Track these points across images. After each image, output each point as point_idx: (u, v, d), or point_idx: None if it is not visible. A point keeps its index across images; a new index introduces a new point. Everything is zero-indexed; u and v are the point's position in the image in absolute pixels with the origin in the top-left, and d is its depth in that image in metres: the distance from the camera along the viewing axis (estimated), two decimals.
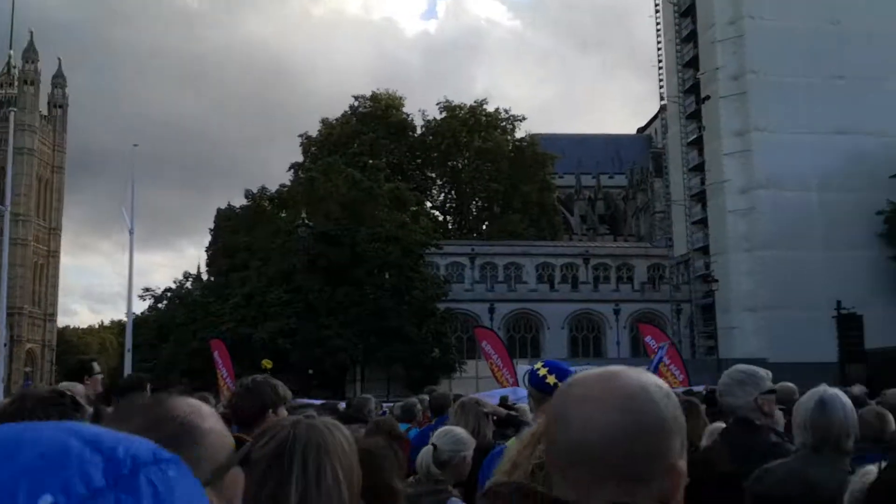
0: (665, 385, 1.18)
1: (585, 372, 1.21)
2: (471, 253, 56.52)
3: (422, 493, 3.55)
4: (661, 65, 56.41)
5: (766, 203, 45.12)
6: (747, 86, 46.23)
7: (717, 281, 41.41)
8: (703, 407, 5.66)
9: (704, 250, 49.94)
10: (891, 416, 4.37)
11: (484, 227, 66.12)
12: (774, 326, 42.31)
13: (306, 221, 31.86)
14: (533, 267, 57.04)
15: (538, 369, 4.04)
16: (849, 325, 29.64)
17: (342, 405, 11.43)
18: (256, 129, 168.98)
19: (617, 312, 52.91)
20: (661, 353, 5.31)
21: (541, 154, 63.74)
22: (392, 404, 11.60)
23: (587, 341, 53.85)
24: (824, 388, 3.10)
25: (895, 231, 42.05)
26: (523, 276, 56.33)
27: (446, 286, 46.28)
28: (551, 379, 3.85)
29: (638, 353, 43.20)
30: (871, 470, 2.16)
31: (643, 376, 1.16)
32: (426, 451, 3.86)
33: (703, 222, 50.37)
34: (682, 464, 1.11)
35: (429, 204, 61.92)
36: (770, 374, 3.76)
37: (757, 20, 46.45)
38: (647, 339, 20.76)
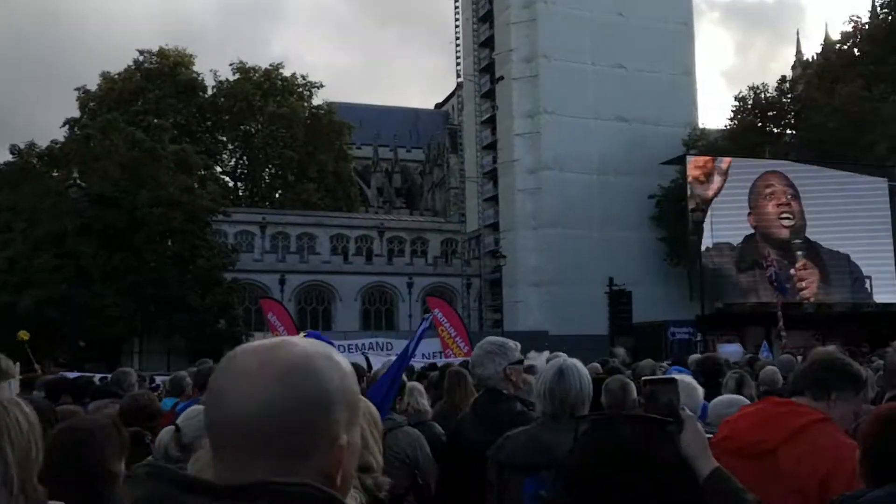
0: (336, 355, 1.12)
1: (248, 344, 1.13)
2: (262, 222, 54.83)
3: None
4: (458, 42, 57.20)
5: (552, 183, 47.14)
6: (538, 69, 47.89)
7: (504, 257, 42.79)
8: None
9: (495, 227, 51.48)
10: (633, 386, 4.47)
11: (277, 195, 64.36)
12: (556, 301, 44.44)
13: (78, 182, 29.20)
14: (327, 238, 56.31)
15: None
16: (619, 301, 31.65)
17: (98, 378, 10.45)
18: (25, 79, 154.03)
19: (410, 286, 53.42)
20: (424, 325, 5.21)
21: (338, 123, 62.86)
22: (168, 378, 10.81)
23: (380, 314, 54.00)
24: (563, 359, 3.17)
25: (664, 214, 45.31)
26: (316, 248, 55.50)
27: (234, 255, 44.50)
28: None
29: (430, 326, 43.83)
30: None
31: (311, 346, 1.10)
32: (167, 431, 3.63)
33: (494, 200, 51.86)
34: (350, 437, 1.08)
35: (218, 169, 59.23)
36: (518, 345, 3.87)
37: (549, 5, 48.12)
38: (435, 311, 20.97)
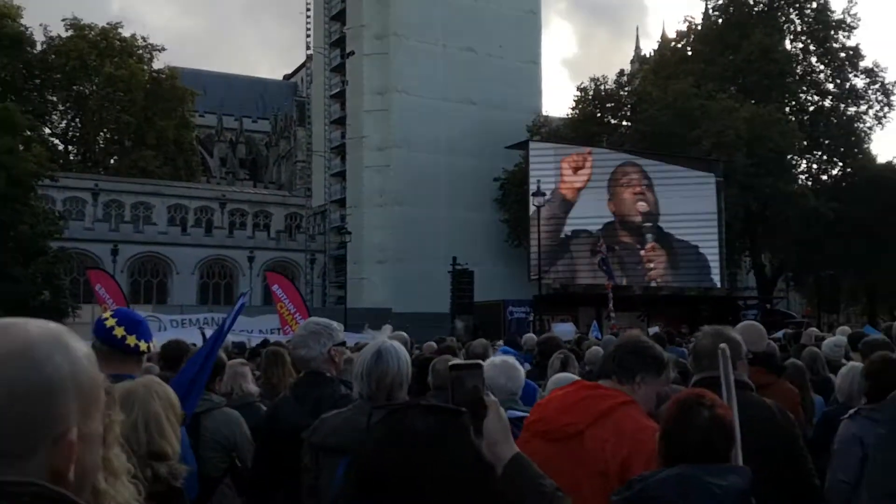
0: (69, 338, 1.02)
1: None
2: (94, 189, 51.77)
3: None
4: (309, 14, 56.01)
5: (400, 161, 47.24)
6: (390, 47, 47.71)
7: (350, 233, 42.63)
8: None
9: (341, 203, 51.04)
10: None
11: (112, 161, 60.86)
12: (400, 279, 44.70)
13: None
14: (164, 208, 53.98)
15: (106, 318, 3.47)
16: (461, 280, 32.14)
17: None
18: None
19: (251, 260, 52.10)
20: (242, 301, 5.02)
21: (181, 89, 60.09)
22: None
23: (218, 288, 52.37)
24: (383, 340, 3.11)
25: (507, 197, 46.47)
26: (153, 218, 53.08)
27: (62, 223, 41.76)
28: (119, 331, 3.38)
29: (270, 301, 43.01)
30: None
31: (36, 330, 0.99)
32: None
33: (341, 175, 51.37)
34: (87, 428, 0.99)
35: (47, 130, 55.20)
36: (342, 326, 3.78)
37: None
38: (275, 287, 20.54)
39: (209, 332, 13.61)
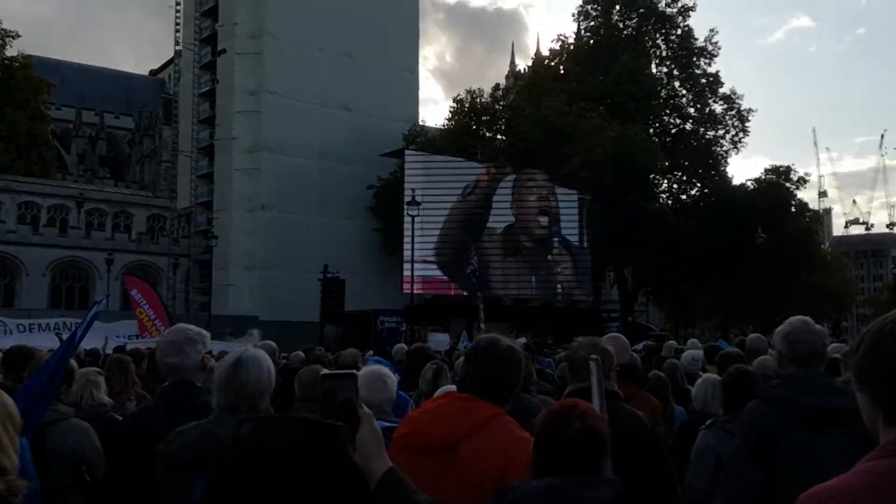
0: None
1: None
2: None
3: None
4: (178, 8, 54.15)
5: (271, 165, 46.24)
6: (264, 47, 46.68)
7: (216, 237, 41.29)
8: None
9: (208, 205, 49.43)
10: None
11: None
12: (268, 286, 43.66)
13: None
14: (14, 205, 50.67)
15: None
16: (332, 289, 31.71)
17: None
18: None
19: (110, 262, 49.61)
20: (96, 309, 4.71)
21: (35, 79, 56.74)
22: None
23: (72, 291, 49.57)
24: (245, 349, 2.95)
25: (382, 205, 46.22)
26: (1, 215, 49.71)
27: None
28: None
29: (129, 306, 41.09)
30: None
31: None
32: None
33: (209, 177, 49.77)
34: None
35: None
36: (209, 334, 3.68)
37: None
38: (133, 292, 19.58)
39: (66, 337, 12.86)
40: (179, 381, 3.48)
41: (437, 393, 4.50)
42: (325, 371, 2.27)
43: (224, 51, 47.79)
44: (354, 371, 2.28)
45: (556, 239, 40.32)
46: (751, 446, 3.48)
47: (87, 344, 12.45)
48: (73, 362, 4.69)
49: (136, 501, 3.26)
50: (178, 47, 55.51)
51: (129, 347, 9.77)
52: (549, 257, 40.17)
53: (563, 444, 2.26)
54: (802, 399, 3.44)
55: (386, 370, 4.40)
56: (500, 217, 39.33)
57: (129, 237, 52.15)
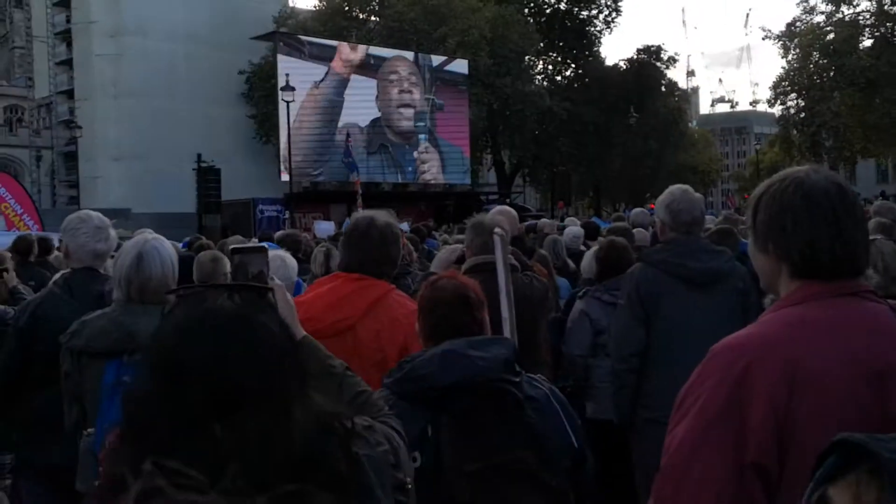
0: None
1: None
2: None
3: None
4: None
5: (134, 50, 43.72)
6: None
7: (80, 127, 39.14)
8: None
9: (70, 94, 46.62)
10: (225, 259, 4.41)
11: None
12: (140, 177, 42.14)
13: None
14: None
15: None
16: (207, 178, 30.82)
17: None
18: None
19: None
20: None
21: None
22: None
23: None
24: (144, 240, 2.92)
25: (254, 91, 44.73)
26: None
27: None
28: None
29: None
30: None
31: None
32: None
33: (68, 63, 46.73)
34: None
35: None
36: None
37: None
38: None
39: None
40: (85, 267, 3.37)
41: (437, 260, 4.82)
42: (236, 245, 2.19)
43: None
44: (265, 244, 2.29)
45: (422, 136, 39.95)
46: (634, 305, 3.74)
47: None
48: None
49: (41, 389, 3.20)
50: None
51: None
52: (416, 154, 39.78)
53: (438, 309, 2.34)
54: (681, 260, 3.72)
55: (285, 252, 4.47)
56: (364, 111, 38.29)
57: None
